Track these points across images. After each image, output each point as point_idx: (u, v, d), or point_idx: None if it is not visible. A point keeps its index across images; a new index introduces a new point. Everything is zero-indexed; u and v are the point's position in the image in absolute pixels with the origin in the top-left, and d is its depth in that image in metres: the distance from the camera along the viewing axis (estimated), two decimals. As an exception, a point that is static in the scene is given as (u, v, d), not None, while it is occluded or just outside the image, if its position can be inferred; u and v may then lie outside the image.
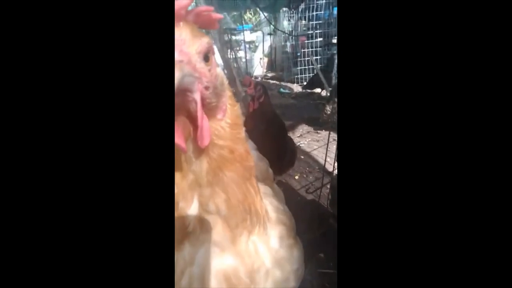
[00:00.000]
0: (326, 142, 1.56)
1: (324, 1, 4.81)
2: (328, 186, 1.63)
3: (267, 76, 6.28)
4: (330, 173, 1.65)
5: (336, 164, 1.48)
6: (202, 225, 0.46)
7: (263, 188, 0.64)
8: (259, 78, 6.03)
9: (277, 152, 1.49)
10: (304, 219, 1.51)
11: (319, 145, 2.51)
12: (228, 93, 0.47)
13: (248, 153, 0.50)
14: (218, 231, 0.47)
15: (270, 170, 0.90)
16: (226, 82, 0.46)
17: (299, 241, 0.70)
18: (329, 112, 2.73)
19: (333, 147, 1.91)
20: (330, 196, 1.55)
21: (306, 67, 5.17)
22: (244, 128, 0.52)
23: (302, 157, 2.30)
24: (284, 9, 5.33)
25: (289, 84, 5.20)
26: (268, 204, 0.61)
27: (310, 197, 1.77)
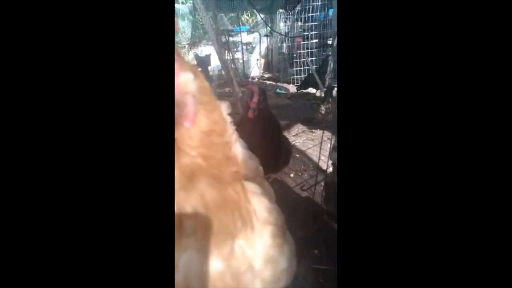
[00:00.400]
0: (320, 141, 1.61)
1: (319, 3, 4.87)
2: (322, 184, 1.68)
3: (264, 77, 6.33)
4: (324, 171, 1.70)
5: (330, 162, 1.53)
6: (181, 229, 0.45)
7: (252, 187, 0.63)
8: (256, 79, 6.08)
9: (273, 151, 1.53)
10: (299, 216, 1.56)
11: (313, 144, 2.56)
12: (203, 99, 0.44)
13: (229, 158, 0.49)
14: (200, 236, 0.46)
15: (261, 168, 0.88)
16: (193, 88, 0.42)
17: (289, 238, 0.69)
18: (323, 112, 2.79)
19: (327, 145, 1.96)
20: (324, 193, 1.60)
21: (302, 68, 5.23)
22: (230, 133, 0.49)
23: (297, 155, 2.35)
24: (281, 10, 5.39)
25: (285, 85, 5.24)
26: (257, 203, 0.59)
27: (304, 194, 1.82)
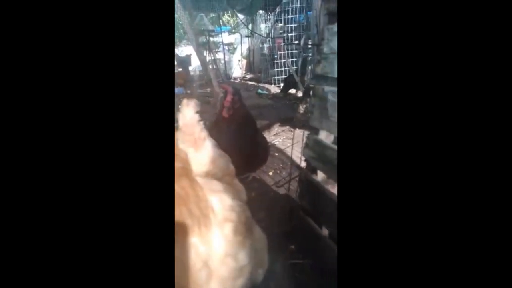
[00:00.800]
0: (299, 140, 1.64)
1: (298, 5, 4.96)
2: (297, 180, 1.72)
3: (246, 77, 6.35)
4: (299, 167, 1.74)
5: (302, 158, 1.57)
6: None
7: (213, 185, 0.63)
8: (238, 80, 6.09)
9: (249, 150, 1.55)
10: (276, 213, 1.59)
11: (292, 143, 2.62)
12: None
13: (175, 155, 0.48)
14: None
15: (231, 166, 0.90)
16: None
17: (259, 235, 0.69)
18: (302, 112, 2.85)
19: (301, 143, 2.01)
20: (298, 190, 1.63)
21: (283, 68, 5.31)
22: (187, 130, 0.49)
23: (277, 154, 2.39)
24: (261, 12, 5.44)
25: (266, 85, 5.30)
26: (217, 201, 0.59)
27: (282, 191, 1.85)
